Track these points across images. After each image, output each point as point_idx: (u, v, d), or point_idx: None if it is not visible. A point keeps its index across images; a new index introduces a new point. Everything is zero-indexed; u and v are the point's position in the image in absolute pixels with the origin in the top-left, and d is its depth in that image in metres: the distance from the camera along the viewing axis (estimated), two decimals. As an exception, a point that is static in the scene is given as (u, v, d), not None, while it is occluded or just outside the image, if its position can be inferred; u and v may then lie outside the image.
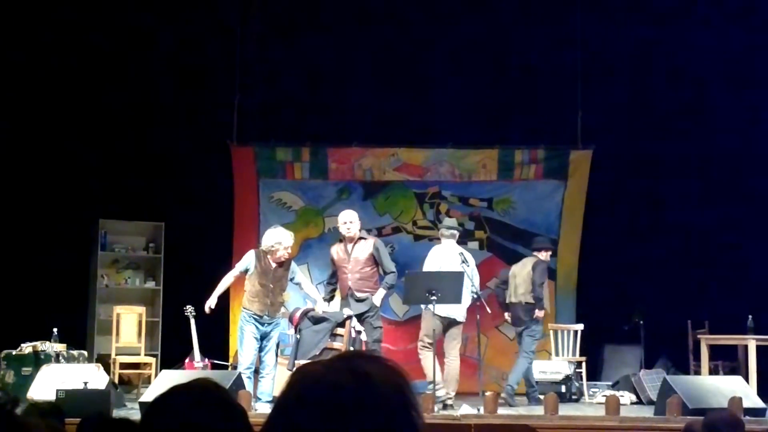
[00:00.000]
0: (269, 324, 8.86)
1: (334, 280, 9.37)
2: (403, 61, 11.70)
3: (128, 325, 10.73)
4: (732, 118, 11.43)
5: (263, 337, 8.84)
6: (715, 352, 10.42)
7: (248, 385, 8.38)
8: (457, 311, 8.98)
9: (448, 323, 9.04)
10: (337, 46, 11.69)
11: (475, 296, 9.02)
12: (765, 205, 11.43)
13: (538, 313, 9.69)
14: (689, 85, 11.52)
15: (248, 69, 11.62)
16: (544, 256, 9.99)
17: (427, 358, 8.84)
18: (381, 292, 9.12)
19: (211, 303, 8.86)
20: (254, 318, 8.79)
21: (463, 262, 9.02)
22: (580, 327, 10.61)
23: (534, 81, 11.58)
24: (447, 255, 9.17)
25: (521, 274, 9.88)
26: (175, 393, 1.81)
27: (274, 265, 8.88)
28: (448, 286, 8.58)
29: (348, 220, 9.20)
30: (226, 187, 11.48)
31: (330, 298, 9.39)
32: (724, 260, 11.17)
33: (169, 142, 11.31)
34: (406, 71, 11.70)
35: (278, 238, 8.84)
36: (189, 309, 10.20)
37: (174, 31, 11.27)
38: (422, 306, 9.23)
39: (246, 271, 8.93)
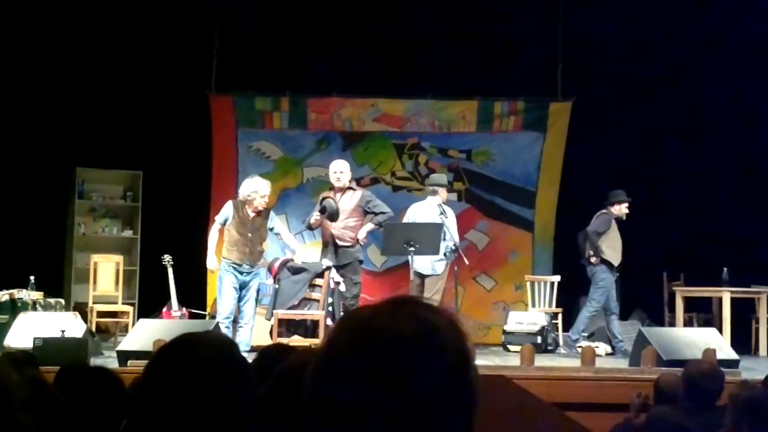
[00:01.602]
0: (248, 273, 8.89)
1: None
2: (383, 12, 11.59)
3: (105, 274, 10.70)
4: (711, 74, 11.45)
5: (242, 287, 8.87)
6: (690, 304, 10.54)
7: (227, 334, 8.41)
8: (430, 264, 9.10)
9: (423, 278, 9.24)
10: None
11: (453, 249, 9.10)
12: (740, 159, 11.50)
13: (593, 259, 9.79)
14: (675, 43, 11.50)
15: (228, 18, 11.49)
16: (617, 209, 9.96)
17: None
18: (369, 226, 9.16)
19: (211, 263, 9.03)
20: (233, 267, 8.82)
21: (441, 213, 9.08)
22: (556, 278, 10.69)
23: (514, 32, 11.51)
24: (424, 211, 9.29)
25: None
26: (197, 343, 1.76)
27: (252, 214, 8.89)
28: (425, 237, 8.61)
29: (339, 170, 9.20)
30: (204, 137, 11.40)
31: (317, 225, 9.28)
32: (700, 212, 11.24)
33: (148, 91, 11.20)
34: (387, 21, 11.60)
35: (254, 187, 8.87)
36: (166, 258, 10.19)
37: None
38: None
39: (225, 221, 8.95)
